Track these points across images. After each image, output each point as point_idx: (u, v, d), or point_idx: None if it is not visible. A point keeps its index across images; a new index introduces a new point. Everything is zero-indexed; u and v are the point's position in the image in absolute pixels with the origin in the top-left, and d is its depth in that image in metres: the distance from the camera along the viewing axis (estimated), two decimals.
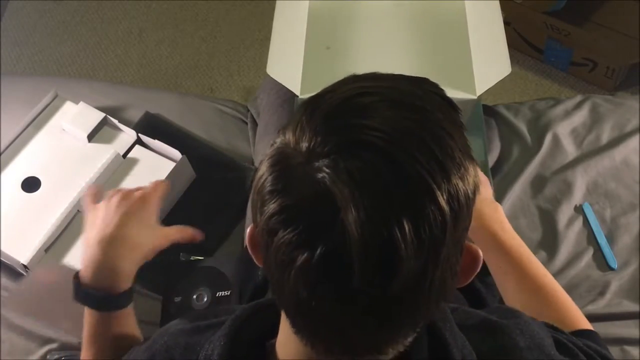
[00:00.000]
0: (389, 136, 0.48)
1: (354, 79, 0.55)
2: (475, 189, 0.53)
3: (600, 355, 0.73)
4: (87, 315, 0.86)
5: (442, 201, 0.48)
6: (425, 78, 0.56)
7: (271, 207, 0.49)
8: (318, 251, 0.47)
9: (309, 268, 0.48)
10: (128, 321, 0.88)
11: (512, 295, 0.88)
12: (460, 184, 0.50)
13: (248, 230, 0.57)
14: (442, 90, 0.55)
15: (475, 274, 0.56)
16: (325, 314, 0.50)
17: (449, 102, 0.55)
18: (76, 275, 0.86)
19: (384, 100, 0.51)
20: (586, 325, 0.82)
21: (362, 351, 0.53)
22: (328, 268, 0.48)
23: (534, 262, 0.88)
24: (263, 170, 0.52)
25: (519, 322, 0.68)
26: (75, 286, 0.85)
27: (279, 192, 0.49)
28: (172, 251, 1.22)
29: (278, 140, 0.53)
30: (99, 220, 0.88)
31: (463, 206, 0.50)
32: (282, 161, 0.51)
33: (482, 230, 0.88)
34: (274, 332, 0.61)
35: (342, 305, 0.49)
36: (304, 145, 0.49)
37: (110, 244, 0.86)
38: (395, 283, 0.47)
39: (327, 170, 0.47)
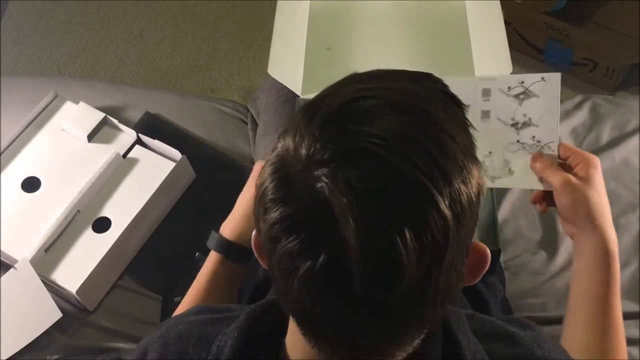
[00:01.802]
0: (387, 142, 0.48)
1: (355, 79, 0.54)
2: (480, 190, 0.52)
3: None
4: (210, 261, 0.95)
5: (444, 206, 0.47)
6: (428, 73, 0.56)
7: (273, 215, 0.49)
8: (319, 260, 0.47)
9: (311, 277, 0.48)
10: (236, 277, 0.95)
11: (579, 332, 0.81)
12: (463, 188, 0.49)
13: (253, 234, 0.57)
14: (445, 86, 0.55)
15: (483, 273, 0.56)
16: (330, 320, 0.50)
17: (452, 98, 0.54)
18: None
19: (382, 103, 0.50)
20: None
21: (368, 354, 0.53)
22: (330, 277, 0.48)
23: (619, 304, 0.83)
24: (264, 177, 0.52)
25: (536, 335, 0.68)
26: (212, 235, 0.96)
27: (280, 200, 0.49)
28: (173, 250, 1.22)
29: (279, 146, 0.52)
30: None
31: (466, 210, 0.49)
32: (282, 169, 0.50)
33: (595, 230, 0.81)
34: (287, 329, 0.61)
35: (345, 312, 0.49)
36: (303, 152, 0.49)
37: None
38: (397, 290, 0.47)
39: (325, 179, 0.47)
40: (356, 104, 0.50)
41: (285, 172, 0.50)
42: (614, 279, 0.81)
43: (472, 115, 0.56)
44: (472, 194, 0.50)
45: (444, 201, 0.47)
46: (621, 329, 0.81)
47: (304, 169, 0.48)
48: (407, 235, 0.46)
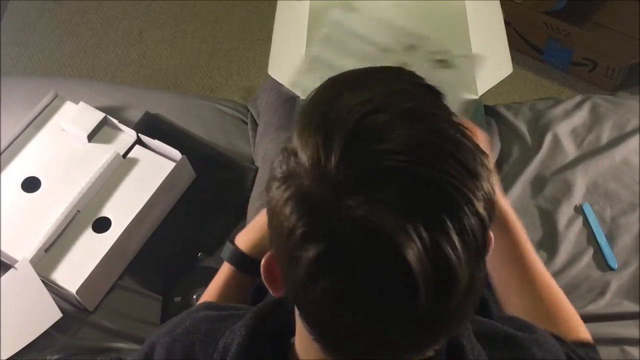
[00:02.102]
0: (412, 156, 0.47)
1: (342, 87, 0.53)
2: (494, 179, 0.52)
3: None
4: (222, 272, 0.93)
5: (481, 208, 0.48)
6: (400, 68, 0.55)
7: (310, 253, 0.47)
8: (382, 291, 0.46)
9: (374, 308, 0.47)
10: (247, 288, 0.94)
11: (515, 298, 0.85)
12: (488, 186, 0.50)
13: (263, 261, 0.56)
14: (422, 78, 0.55)
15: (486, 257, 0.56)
16: (377, 338, 0.50)
17: (433, 90, 0.54)
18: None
19: (392, 117, 0.49)
20: (586, 334, 0.82)
21: (398, 356, 0.53)
22: (394, 304, 0.47)
23: (537, 259, 0.86)
24: (287, 213, 0.49)
25: (536, 336, 0.68)
26: (227, 245, 0.93)
27: (314, 236, 0.47)
28: (173, 250, 1.22)
29: (284, 167, 0.50)
30: None
31: (494, 204, 0.50)
32: (307, 201, 0.48)
33: None
34: (294, 328, 0.60)
35: (399, 329, 0.49)
36: (329, 180, 0.47)
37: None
38: (454, 297, 0.47)
39: (364, 206, 0.46)
40: (367, 122, 0.49)
41: (312, 204, 0.48)
42: (519, 238, 0.84)
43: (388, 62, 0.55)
44: (492, 188, 0.51)
45: (479, 202, 0.48)
46: (544, 275, 0.85)
47: (335, 199, 0.47)
48: (456, 243, 0.46)
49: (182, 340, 0.67)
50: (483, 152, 0.51)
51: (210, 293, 0.92)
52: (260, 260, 0.56)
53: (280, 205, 0.50)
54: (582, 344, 0.79)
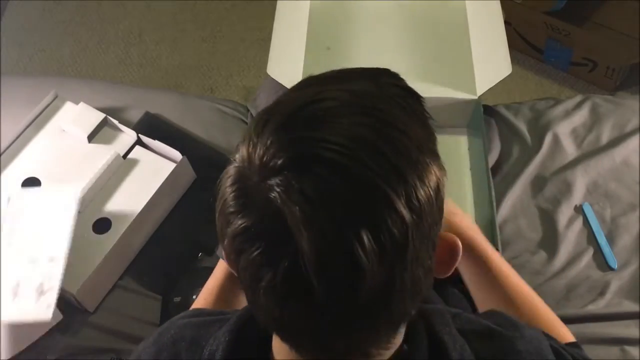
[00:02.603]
0: (342, 147, 0.47)
1: (311, 82, 0.54)
2: (439, 182, 0.51)
3: None
4: (219, 270, 0.94)
5: (401, 206, 0.47)
6: (385, 69, 0.55)
7: (234, 227, 0.49)
8: (279, 271, 0.47)
9: (274, 287, 0.48)
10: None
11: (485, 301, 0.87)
12: (419, 184, 0.49)
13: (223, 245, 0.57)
14: (401, 80, 0.55)
15: (456, 263, 0.56)
16: (299, 327, 0.51)
17: (409, 91, 0.54)
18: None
19: (336, 106, 0.50)
20: (570, 336, 0.83)
21: (345, 355, 0.53)
22: (292, 286, 0.48)
23: (514, 275, 0.87)
24: (223, 190, 0.52)
25: (518, 328, 0.68)
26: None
27: (239, 212, 0.49)
28: (173, 251, 1.22)
29: (236, 157, 0.52)
30: None
31: (424, 204, 0.49)
32: (238, 180, 0.50)
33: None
34: None
35: (313, 319, 0.49)
36: (256, 161, 0.49)
37: None
38: (361, 293, 0.47)
39: (278, 189, 0.46)
40: (310, 108, 0.50)
41: (242, 183, 0.50)
42: (489, 263, 0.86)
43: None
44: (430, 189, 0.50)
45: (400, 200, 0.47)
46: (519, 287, 0.86)
47: (259, 178, 0.48)
48: (365, 238, 0.46)
49: (168, 350, 0.67)
50: (429, 153, 0.51)
51: (205, 294, 0.92)
52: None
53: (223, 181, 0.52)
54: (568, 345, 0.79)
